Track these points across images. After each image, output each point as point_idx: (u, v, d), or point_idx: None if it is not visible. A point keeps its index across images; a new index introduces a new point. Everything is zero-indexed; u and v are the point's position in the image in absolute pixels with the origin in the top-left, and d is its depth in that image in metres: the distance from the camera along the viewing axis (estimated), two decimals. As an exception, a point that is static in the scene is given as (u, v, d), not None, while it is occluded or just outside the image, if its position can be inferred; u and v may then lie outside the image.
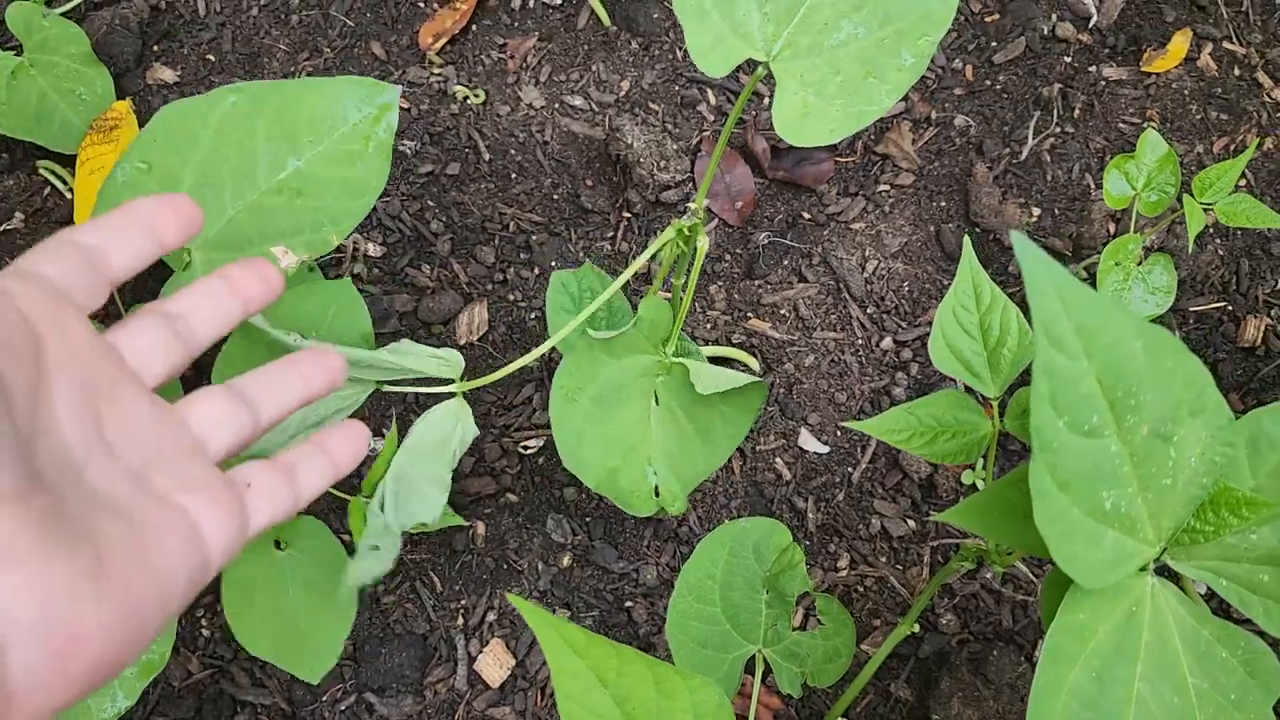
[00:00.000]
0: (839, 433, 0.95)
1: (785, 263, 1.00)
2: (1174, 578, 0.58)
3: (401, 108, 1.08)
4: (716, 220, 1.02)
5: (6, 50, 1.07)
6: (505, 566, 0.92)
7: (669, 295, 0.79)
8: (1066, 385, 0.47)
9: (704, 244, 0.70)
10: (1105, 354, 0.48)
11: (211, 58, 1.14)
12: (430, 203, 1.04)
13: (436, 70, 1.09)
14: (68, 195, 1.07)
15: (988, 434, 0.60)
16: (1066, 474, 0.48)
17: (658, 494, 0.79)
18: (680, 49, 1.11)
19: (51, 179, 1.08)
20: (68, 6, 1.13)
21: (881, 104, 0.58)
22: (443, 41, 1.10)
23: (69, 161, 1.06)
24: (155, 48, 1.14)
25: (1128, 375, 0.48)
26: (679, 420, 0.80)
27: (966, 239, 0.62)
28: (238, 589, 0.84)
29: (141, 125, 0.85)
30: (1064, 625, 0.52)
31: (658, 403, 0.78)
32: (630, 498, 0.75)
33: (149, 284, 1.00)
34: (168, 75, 1.13)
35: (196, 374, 0.93)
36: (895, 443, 0.59)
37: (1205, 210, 0.84)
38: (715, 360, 0.96)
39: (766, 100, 1.08)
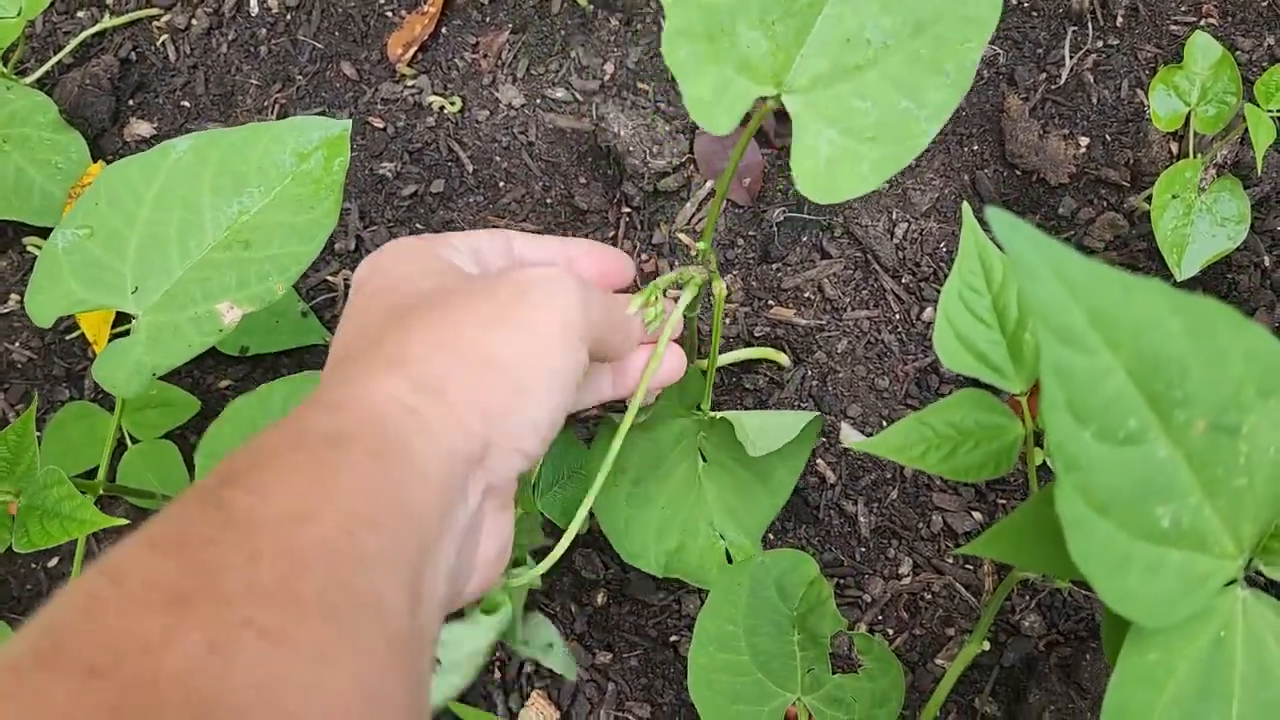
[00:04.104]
0: (885, 422, 0.85)
1: (804, 239, 0.90)
2: (1270, 587, 0.48)
3: (377, 127, 1.00)
4: (725, 202, 0.93)
5: (-24, 130, 1.04)
6: (537, 612, 0.85)
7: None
8: (1087, 387, 0.37)
9: (721, 289, 0.59)
10: (1133, 341, 0.37)
11: (186, 104, 1.09)
12: (419, 225, 0.97)
13: (409, 83, 1.02)
14: (56, 269, 1.03)
15: (1018, 437, 0.50)
16: (1104, 494, 0.38)
17: (730, 557, 0.71)
18: (664, 19, 1.00)
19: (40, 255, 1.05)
20: (40, 73, 1.10)
21: (923, 134, 0.46)
22: (413, 50, 1.02)
23: (53, 235, 1.02)
24: (130, 102, 1.10)
25: (1167, 362, 0.38)
26: (735, 472, 0.71)
27: (966, 206, 0.51)
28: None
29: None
30: (1130, 673, 0.42)
31: (705, 459, 0.69)
32: (703, 573, 0.67)
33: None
34: (144, 129, 1.09)
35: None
36: (908, 461, 0.49)
37: (1276, 119, 0.71)
38: (740, 365, 0.87)
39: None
